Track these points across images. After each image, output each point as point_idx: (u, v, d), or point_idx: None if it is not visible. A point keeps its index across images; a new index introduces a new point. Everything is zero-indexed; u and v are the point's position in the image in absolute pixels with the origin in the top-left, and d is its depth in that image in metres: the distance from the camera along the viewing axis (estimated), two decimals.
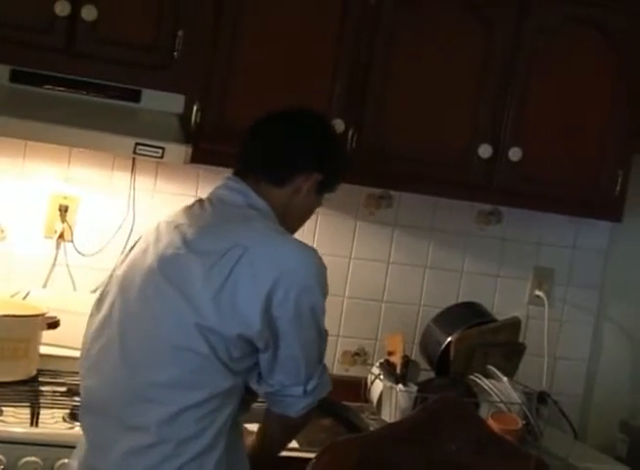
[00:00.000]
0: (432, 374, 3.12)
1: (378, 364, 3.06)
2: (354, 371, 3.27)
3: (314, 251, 2.08)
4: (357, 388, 3.11)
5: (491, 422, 2.77)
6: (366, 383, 3.09)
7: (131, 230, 3.03)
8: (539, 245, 3.45)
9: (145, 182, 3.08)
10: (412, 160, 2.93)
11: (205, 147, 2.74)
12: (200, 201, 2.20)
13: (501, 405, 2.89)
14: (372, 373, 3.06)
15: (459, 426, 1.96)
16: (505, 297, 3.42)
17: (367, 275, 3.29)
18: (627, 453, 3.32)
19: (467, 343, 3.05)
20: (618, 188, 3.08)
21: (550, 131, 3.02)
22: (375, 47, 2.86)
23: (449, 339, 3.05)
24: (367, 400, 3.08)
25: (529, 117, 3.00)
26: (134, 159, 2.99)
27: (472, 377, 2.99)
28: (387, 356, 3.08)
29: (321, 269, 2.06)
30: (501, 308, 3.37)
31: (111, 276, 2.20)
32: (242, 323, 1.97)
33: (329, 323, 3.16)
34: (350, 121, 2.83)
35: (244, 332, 1.98)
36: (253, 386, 2.11)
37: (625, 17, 3.03)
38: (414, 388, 2.92)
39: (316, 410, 2.72)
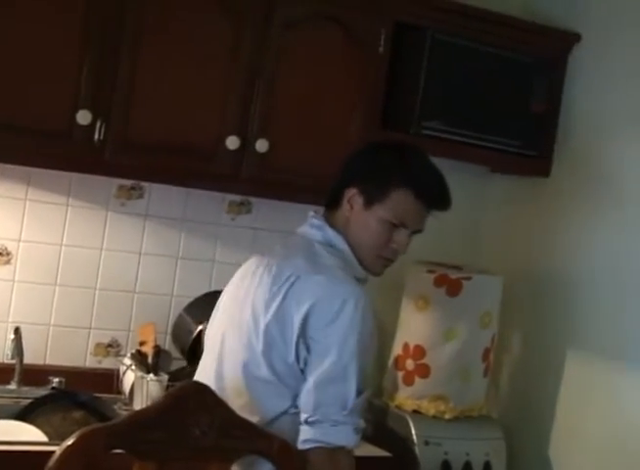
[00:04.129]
0: (184, 363, 3.16)
1: (129, 355, 3.07)
2: (107, 363, 3.25)
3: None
4: (110, 379, 3.11)
5: None
6: (118, 374, 3.09)
7: None
8: (288, 234, 3.52)
9: None
10: (161, 151, 2.94)
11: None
12: (290, 236, 2.50)
13: None
14: (124, 364, 3.07)
15: (203, 411, 2.00)
16: None
17: (119, 266, 3.28)
18: (372, 432, 3.47)
19: None
20: None
21: (296, 123, 3.12)
22: (122, 37, 2.85)
23: (200, 327, 3.09)
24: (120, 392, 3.08)
25: (276, 110, 3.07)
26: None
27: None
28: (138, 347, 3.09)
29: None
30: None
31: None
32: None
33: (81, 316, 3.21)
34: (98, 113, 2.81)
35: None
36: None
37: (361, 13, 3.14)
38: (165, 377, 2.94)
39: (68, 403, 2.73)
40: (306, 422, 2.21)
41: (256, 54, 3.03)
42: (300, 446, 2.19)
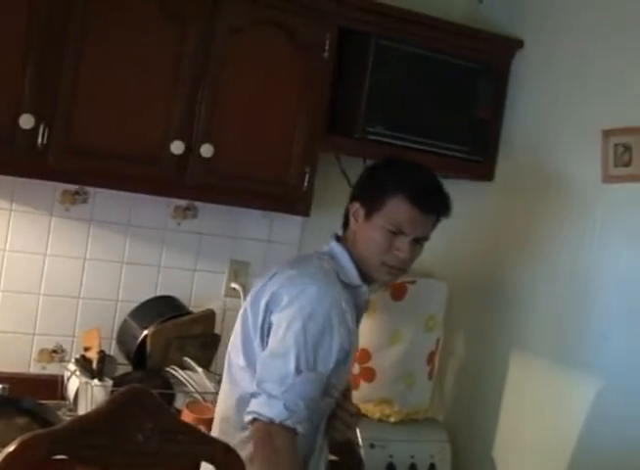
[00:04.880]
0: (130, 368, 3.15)
1: (74, 361, 3.05)
2: (52, 369, 3.24)
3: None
4: (55, 385, 3.09)
5: (186, 412, 2.84)
6: (63, 380, 3.07)
7: None
8: (235, 239, 3.55)
9: None
10: (106, 156, 2.93)
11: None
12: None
13: (196, 395, 2.96)
14: (68, 370, 3.05)
15: (146, 416, 2.00)
16: (202, 290, 3.49)
17: (63, 272, 3.26)
18: None
19: (162, 336, 3.10)
20: (306, 184, 3.23)
21: (241, 128, 3.12)
22: (66, 41, 2.83)
23: (145, 332, 3.09)
24: (64, 398, 3.06)
25: (221, 115, 3.07)
26: None
27: (168, 369, 3.04)
28: (83, 352, 3.07)
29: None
30: (199, 301, 3.44)
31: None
32: None
33: (25, 321, 3.18)
34: (41, 117, 2.79)
35: None
36: None
37: (305, 19, 3.16)
38: (110, 382, 2.93)
39: (11, 410, 2.70)
40: (251, 395, 2.29)
41: (201, 59, 3.02)
42: (245, 419, 2.27)
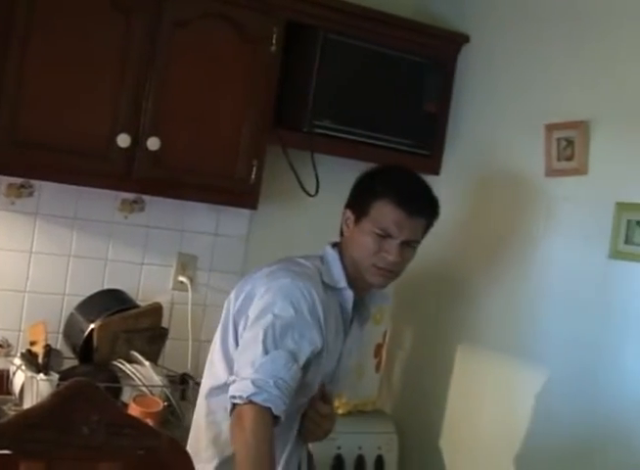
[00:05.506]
0: (77, 362, 3.13)
1: (20, 355, 3.03)
2: None
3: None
4: (0, 380, 3.05)
5: (133, 405, 2.83)
6: (8, 374, 3.05)
7: None
8: (183, 232, 3.54)
9: None
10: (52, 149, 2.91)
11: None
12: None
13: (143, 389, 2.96)
14: (14, 364, 3.02)
15: (91, 409, 1.99)
16: (150, 283, 3.48)
17: (9, 266, 3.23)
18: None
19: (109, 329, 3.09)
20: (254, 177, 3.24)
21: (188, 122, 3.12)
22: (11, 34, 2.80)
23: (92, 326, 3.08)
24: (9, 392, 3.03)
25: (168, 108, 3.06)
26: None
27: (115, 363, 3.03)
28: (29, 347, 3.05)
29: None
30: (146, 295, 3.43)
31: None
32: None
33: None
34: None
35: None
36: None
37: (252, 12, 3.16)
38: (55, 376, 2.91)
39: None
40: (228, 385, 2.30)
41: (148, 52, 3.01)
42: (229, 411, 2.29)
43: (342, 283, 2.52)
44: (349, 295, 2.53)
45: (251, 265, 3.65)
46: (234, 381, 2.27)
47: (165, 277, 3.52)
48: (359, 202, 2.53)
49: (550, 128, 3.21)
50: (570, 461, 3.06)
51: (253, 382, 2.21)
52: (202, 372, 3.45)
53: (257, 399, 2.19)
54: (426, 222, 2.53)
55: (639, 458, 2.88)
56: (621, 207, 2.99)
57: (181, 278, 3.51)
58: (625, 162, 3.03)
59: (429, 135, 3.60)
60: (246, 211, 3.53)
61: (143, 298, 3.39)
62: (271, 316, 2.32)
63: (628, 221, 2.97)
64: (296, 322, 2.33)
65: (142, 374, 3.00)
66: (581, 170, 3.13)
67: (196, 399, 3.24)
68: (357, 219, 2.52)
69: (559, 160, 3.19)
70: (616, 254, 3.01)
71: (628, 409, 2.94)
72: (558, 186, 3.21)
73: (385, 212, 2.46)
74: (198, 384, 3.20)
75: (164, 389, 2.99)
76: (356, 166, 3.64)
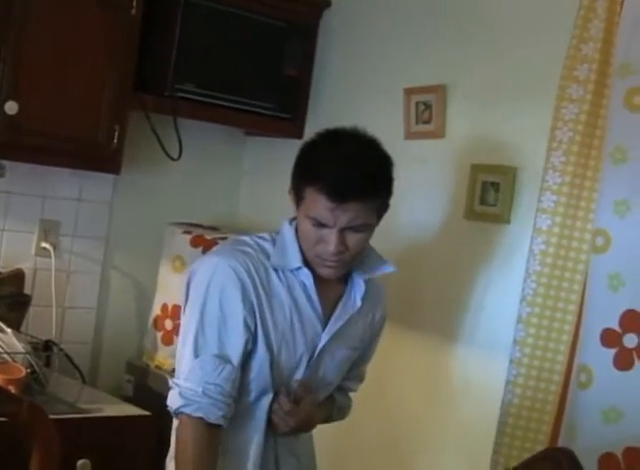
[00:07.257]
0: None
1: None
2: None
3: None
4: None
5: None
6: None
7: None
8: (45, 198, 3.49)
9: None
10: None
11: None
12: None
13: (5, 356, 2.93)
14: None
15: None
16: (12, 249, 3.43)
17: None
18: (133, 392, 3.51)
19: None
20: (116, 142, 3.21)
21: (47, 86, 3.07)
22: None
23: None
24: None
25: (25, 72, 3.01)
26: None
27: None
28: None
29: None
30: (8, 261, 3.38)
31: None
32: None
33: None
34: None
35: None
36: None
37: None
38: None
39: None
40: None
41: (3, 15, 2.95)
42: None
43: (296, 263, 2.27)
44: (305, 274, 2.27)
45: (115, 231, 3.66)
46: (170, 387, 2.23)
47: (28, 243, 3.47)
48: (295, 184, 2.25)
49: (409, 92, 3.28)
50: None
51: (181, 394, 2.17)
52: (66, 338, 3.48)
53: (187, 411, 2.16)
54: (369, 205, 2.19)
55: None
56: (477, 168, 3.09)
57: (44, 244, 3.47)
58: (481, 125, 3.12)
59: (291, 99, 3.63)
60: (109, 177, 3.49)
61: (4, 264, 3.35)
62: (198, 315, 2.20)
63: (483, 183, 3.07)
64: (221, 318, 2.19)
65: (3, 341, 2.96)
66: (439, 134, 3.21)
67: (61, 365, 3.26)
68: (297, 203, 2.25)
69: (417, 123, 3.27)
70: (471, 214, 3.10)
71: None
72: (416, 149, 3.28)
73: (315, 201, 2.17)
74: (62, 350, 3.21)
75: (27, 356, 2.96)
76: (220, 130, 3.71)
